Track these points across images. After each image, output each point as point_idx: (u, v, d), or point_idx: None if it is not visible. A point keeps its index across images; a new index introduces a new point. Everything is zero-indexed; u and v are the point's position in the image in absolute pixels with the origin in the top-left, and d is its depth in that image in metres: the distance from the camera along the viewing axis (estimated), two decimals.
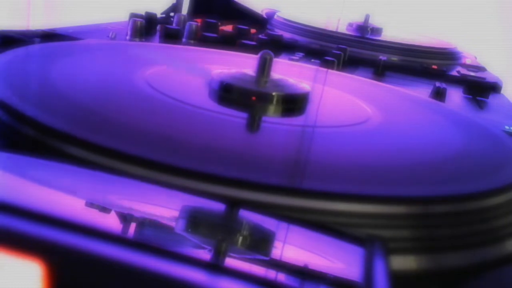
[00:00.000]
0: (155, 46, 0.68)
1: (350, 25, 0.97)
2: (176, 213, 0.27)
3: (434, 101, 0.60)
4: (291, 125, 0.42)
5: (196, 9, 1.00)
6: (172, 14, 0.94)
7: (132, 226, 0.24)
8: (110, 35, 0.72)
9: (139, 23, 0.72)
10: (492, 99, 0.71)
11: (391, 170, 0.35)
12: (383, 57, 0.79)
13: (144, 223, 0.25)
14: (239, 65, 0.48)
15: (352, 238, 0.26)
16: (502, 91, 0.77)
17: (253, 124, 0.42)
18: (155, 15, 0.82)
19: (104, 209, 0.26)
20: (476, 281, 0.30)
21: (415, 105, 0.55)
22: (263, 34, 0.85)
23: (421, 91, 0.66)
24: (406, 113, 0.52)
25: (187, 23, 0.76)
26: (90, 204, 0.26)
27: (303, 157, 0.36)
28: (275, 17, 1.00)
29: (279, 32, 0.91)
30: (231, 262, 0.22)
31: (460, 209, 0.32)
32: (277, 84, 0.44)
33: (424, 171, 0.36)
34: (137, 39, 0.71)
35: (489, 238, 0.32)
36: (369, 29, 0.95)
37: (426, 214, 0.31)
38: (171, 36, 0.74)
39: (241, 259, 0.23)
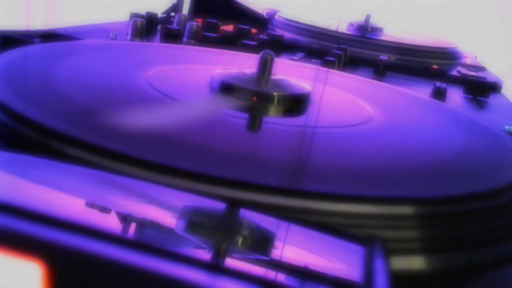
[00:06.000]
0: (156, 46, 0.68)
1: (351, 25, 0.97)
2: (176, 214, 0.27)
3: (434, 101, 0.60)
4: (292, 126, 0.42)
5: (197, 9, 1.00)
6: (172, 14, 0.94)
7: (132, 227, 0.24)
8: (110, 35, 0.71)
9: (139, 23, 0.72)
10: (492, 99, 0.71)
11: (392, 170, 0.35)
12: (383, 57, 0.79)
13: (145, 223, 0.25)
14: (240, 65, 0.48)
15: (352, 238, 0.26)
16: (502, 91, 0.77)
17: (254, 125, 0.42)
18: (155, 15, 0.82)
19: (104, 210, 0.26)
20: (476, 281, 0.30)
21: (416, 105, 0.55)
22: (264, 34, 0.85)
23: (421, 91, 0.66)
24: (407, 113, 0.52)
25: (188, 23, 0.76)
26: (90, 205, 0.26)
27: (304, 158, 0.36)
28: (276, 17, 1.00)
29: (280, 32, 0.91)
30: (231, 262, 0.22)
31: (461, 209, 0.32)
32: (278, 84, 0.44)
33: (425, 171, 0.36)
34: (137, 39, 0.71)
35: (490, 238, 0.32)
36: (369, 29, 0.95)
37: (426, 215, 0.31)
38: (172, 36, 0.74)
39: (241, 260, 0.23)
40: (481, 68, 0.90)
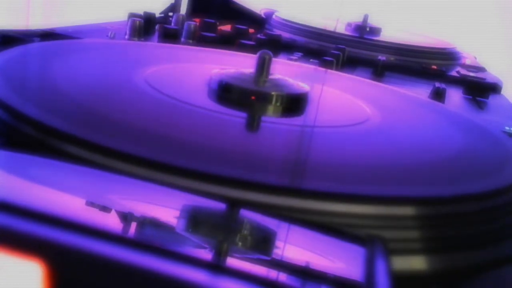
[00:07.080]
0: (154, 46, 0.68)
1: (349, 25, 0.97)
2: (176, 213, 0.27)
3: (433, 101, 0.60)
4: (291, 125, 0.42)
5: (195, 9, 1.00)
6: (170, 14, 0.94)
7: (133, 226, 0.24)
8: (109, 35, 0.71)
9: (137, 22, 0.72)
10: (492, 100, 0.70)
11: (391, 170, 0.35)
12: (382, 57, 0.79)
13: (145, 222, 0.25)
14: (237, 64, 0.48)
15: (353, 238, 0.26)
16: (502, 92, 0.77)
17: (252, 124, 0.42)
18: (153, 15, 0.82)
19: (105, 209, 0.26)
20: (476, 281, 0.30)
21: (415, 106, 0.55)
22: (261, 34, 0.85)
23: (420, 92, 0.66)
24: (405, 113, 0.52)
25: (186, 23, 0.76)
26: (91, 204, 0.26)
27: (303, 157, 0.36)
28: (274, 17, 1.00)
29: (277, 32, 0.91)
30: (232, 262, 0.22)
31: (460, 210, 0.32)
32: (276, 84, 0.44)
33: (424, 171, 0.36)
34: (135, 39, 0.71)
35: (490, 238, 0.32)
36: (367, 29, 0.95)
37: (426, 215, 0.31)
38: (170, 36, 0.74)
39: (242, 259, 0.23)
40: (480, 69, 0.90)
